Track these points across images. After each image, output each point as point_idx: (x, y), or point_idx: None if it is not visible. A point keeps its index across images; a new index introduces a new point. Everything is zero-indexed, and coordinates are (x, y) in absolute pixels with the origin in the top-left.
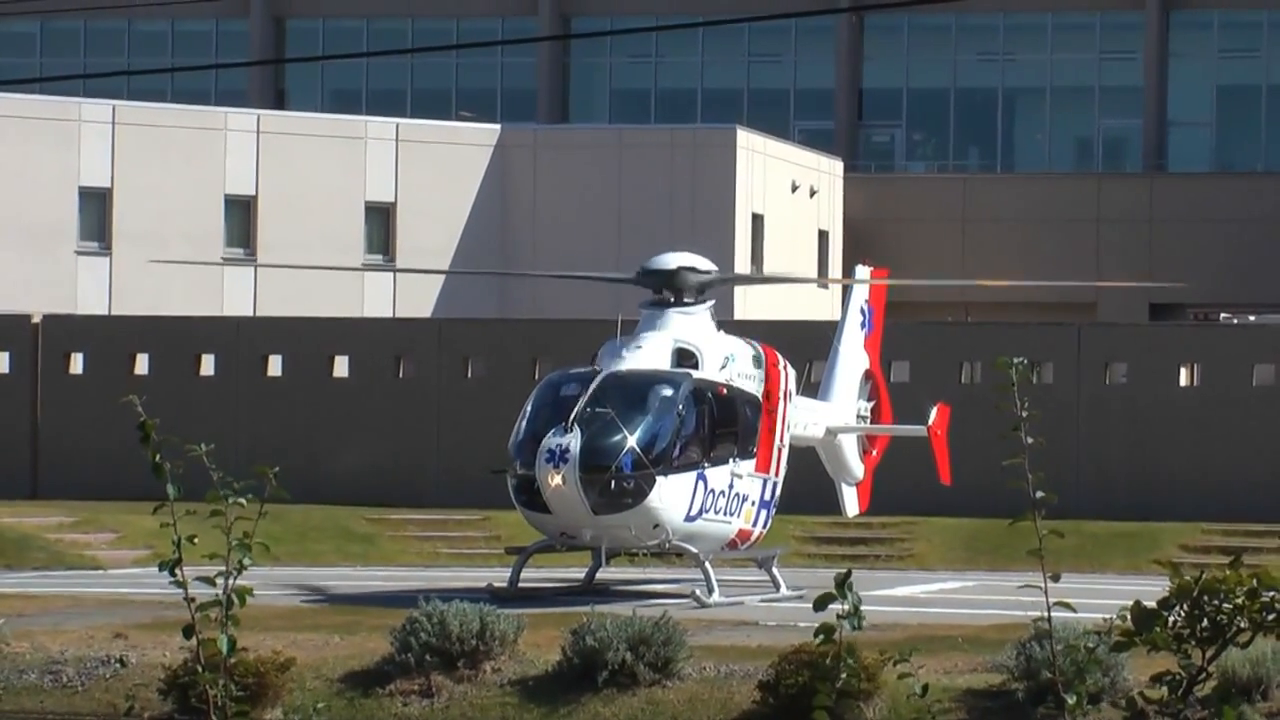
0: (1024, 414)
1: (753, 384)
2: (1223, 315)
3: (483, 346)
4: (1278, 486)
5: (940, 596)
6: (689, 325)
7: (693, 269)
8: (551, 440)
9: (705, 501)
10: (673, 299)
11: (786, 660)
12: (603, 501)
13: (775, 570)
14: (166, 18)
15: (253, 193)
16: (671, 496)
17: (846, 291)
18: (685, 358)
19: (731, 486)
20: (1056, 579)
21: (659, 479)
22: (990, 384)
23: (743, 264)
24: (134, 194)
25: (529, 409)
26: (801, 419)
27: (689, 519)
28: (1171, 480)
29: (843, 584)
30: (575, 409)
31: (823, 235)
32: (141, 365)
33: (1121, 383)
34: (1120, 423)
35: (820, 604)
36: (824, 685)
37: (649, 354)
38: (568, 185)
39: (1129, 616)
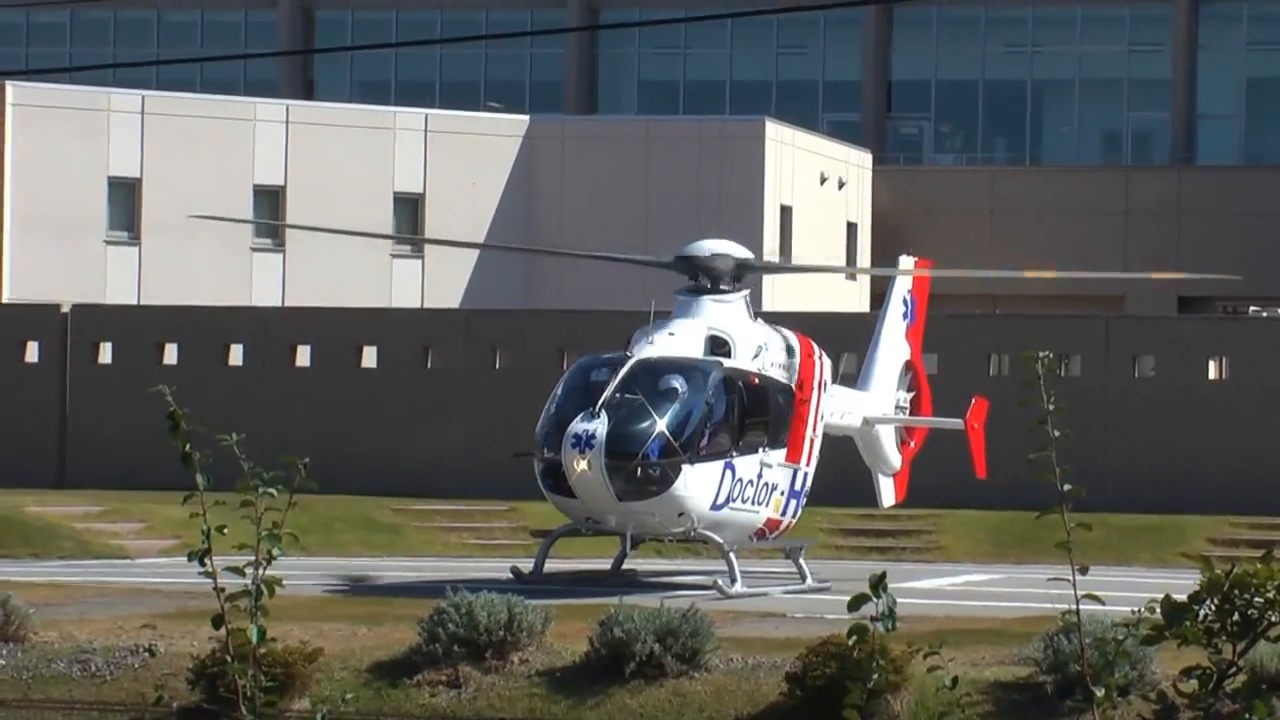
0: (1050, 407)
1: (785, 373)
2: (1252, 308)
3: (510, 337)
4: None
5: (967, 589)
6: (723, 313)
7: (730, 256)
8: (578, 425)
9: (732, 490)
10: (708, 286)
11: (814, 652)
12: (628, 488)
13: (803, 561)
14: (196, 8)
15: (281, 183)
16: (698, 485)
17: (890, 281)
18: (718, 346)
19: (760, 476)
20: (1084, 571)
21: (685, 467)
22: (1017, 376)
23: (771, 256)
24: (163, 184)
25: (558, 393)
26: (838, 408)
27: (715, 507)
28: (1200, 473)
29: (878, 585)
30: (603, 394)
31: (851, 227)
32: (170, 355)
33: (1150, 375)
34: (1148, 415)
35: (855, 604)
36: (855, 686)
37: (681, 341)
38: (595, 176)
39: (1159, 610)
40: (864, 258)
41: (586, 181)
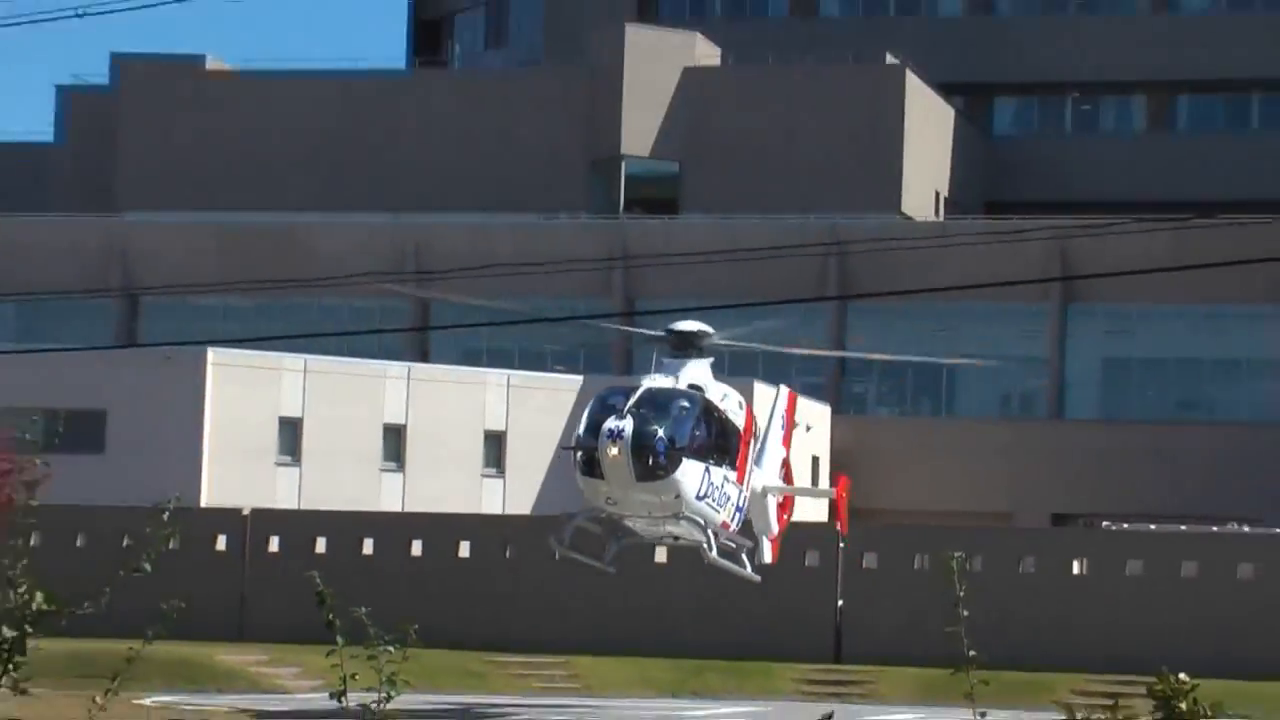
0: (961, 593)
1: (737, 418)
2: (1104, 523)
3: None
4: (1144, 647)
5: None
6: (696, 370)
7: (700, 332)
8: (612, 423)
9: (708, 489)
10: (685, 352)
11: None
12: (644, 470)
13: (744, 556)
14: (344, 297)
15: (404, 422)
16: (690, 476)
17: (771, 405)
18: (695, 389)
19: (722, 485)
20: (984, 716)
21: (684, 460)
22: (937, 571)
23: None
24: (318, 422)
25: (589, 410)
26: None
27: (699, 498)
28: (1069, 642)
29: None
30: (627, 405)
31: (815, 460)
32: (320, 546)
33: (1030, 572)
34: (1030, 600)
35: None
36: None
37: (672, 381)
38: None
39: None
40: (823, 482)
41: None
